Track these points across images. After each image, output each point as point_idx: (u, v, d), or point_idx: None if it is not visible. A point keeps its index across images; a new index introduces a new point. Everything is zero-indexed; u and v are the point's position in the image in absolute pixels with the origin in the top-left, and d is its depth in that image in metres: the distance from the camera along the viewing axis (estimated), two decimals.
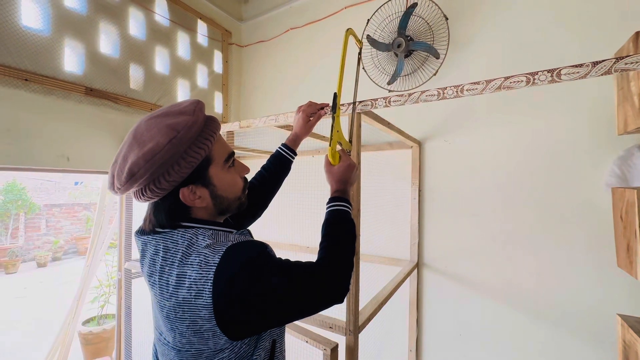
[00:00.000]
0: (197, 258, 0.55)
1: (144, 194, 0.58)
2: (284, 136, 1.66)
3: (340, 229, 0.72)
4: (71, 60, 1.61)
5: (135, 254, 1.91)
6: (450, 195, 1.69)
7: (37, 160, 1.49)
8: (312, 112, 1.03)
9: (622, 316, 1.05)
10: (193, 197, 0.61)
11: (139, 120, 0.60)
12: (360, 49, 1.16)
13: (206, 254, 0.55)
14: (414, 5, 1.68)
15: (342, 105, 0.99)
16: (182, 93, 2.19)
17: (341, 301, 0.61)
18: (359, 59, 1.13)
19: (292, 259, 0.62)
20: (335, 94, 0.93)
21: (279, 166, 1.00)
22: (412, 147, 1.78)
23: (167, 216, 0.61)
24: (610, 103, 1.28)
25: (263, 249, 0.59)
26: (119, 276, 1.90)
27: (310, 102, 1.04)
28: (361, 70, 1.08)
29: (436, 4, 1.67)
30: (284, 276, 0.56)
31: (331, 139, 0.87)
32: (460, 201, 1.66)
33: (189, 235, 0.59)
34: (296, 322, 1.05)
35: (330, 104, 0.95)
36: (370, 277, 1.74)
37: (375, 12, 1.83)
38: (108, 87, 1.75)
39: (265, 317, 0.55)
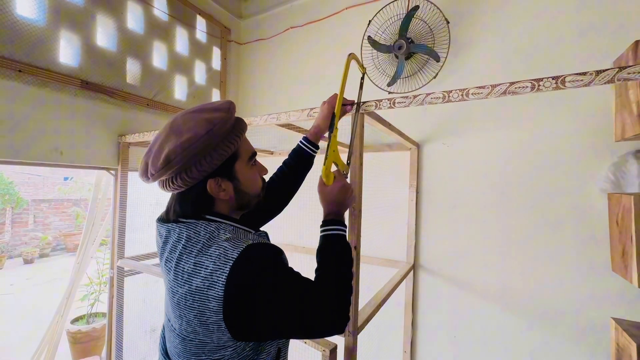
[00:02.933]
0: (217, 250, 0.57)
1: (174, 182, 0.61)
2: (285, 135, 1.65)
3: (337, 256, 0.70)
4: (67, 52, 1.57)
5: (129, 251, 1.88)
6: (447, 198, 1.71)
7: (30, 154, 1.45)
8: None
9: (616, 320, 1.07)
10: (218, 189, 0.64)
11: (175, 116, 0.64)
12: (364, 74, 1.12)
13: (226, 247, 0.57)
14: (416, 8, 1.69)
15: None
16: (179, 89, 2.17)
17: (342, 331, 0.60)
18: (362, 84, 1.07)
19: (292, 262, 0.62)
20: (333, 114, 0.91)
21: (300, 161, 0.98)
22: (410, 149, 1.79)
23: (193, 206, 0.64)
24: (609, 110, 1.31)
25: (279, 255, 0.61)
26: (111, 274, 1.86)
27: (335, 94, 0.99)
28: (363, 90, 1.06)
29: (438, 8, 1.67)
30: (294, 289, 0.57)
31: (326, 157, 0.83)
32: (457, 204, 1.67)
33: (211, 228, 0.61)
34: None
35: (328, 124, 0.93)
36: (368, 278, 1.74)
37: (377, 13, 1.84)
38: (104, 81, 1.72)
39: (267, 323, 0.55)
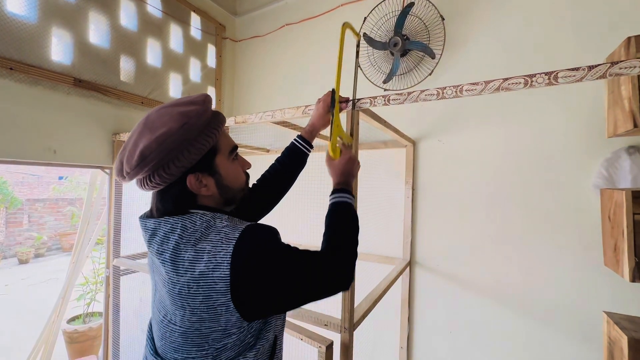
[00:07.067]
0: (217, 235, 0.58)
1: (152, 180, 0.59)
2: (279, 133, 1.65)
3: (344, 220, 0.74)
4: (59, 49, 1.55)
5: (125, 250, 1.87)
6: (442, 195, 1.71)
7: (22, 153, 1.44)
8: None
9: (608, 313, 1.09)
10: (199, 185, 0.63)
11: (149, 112, 0.62)
12: (359, 41, 1.13)
13: (226, 231, 0.58)
14: (411, 4, 1.68)
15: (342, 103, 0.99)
16: (174, 87, 2.15)
17: (347, 289, 0.63)
18: (357, 52, 1.09)
19: None
20: (333, 90, 0.93)
21: (293, 159, 0.98)
22: (406, 146, 1.79)
23: (174, 204, 0.63)
24: (601, 106, 1.32)
25: (277, 233, 0.63)
26: (107, 273, 1.86)
27: (330, 91, 1.00)
28: (359, 66, 1.08)
29: (433, 4, 1.67)
30: (297, 260, 0.59)
31: (331, 133, 0.87)
32: (452, 200, 1.68)
33: (207, 218, 0.61)
34: (291, 320, 1.04)
35: (329, 100, 0.95)
36: (364, 275, 1.75)
37: (372, 10, 1.83)
38: (98, 79, 1.70)
39: (275, 296, 0.57)
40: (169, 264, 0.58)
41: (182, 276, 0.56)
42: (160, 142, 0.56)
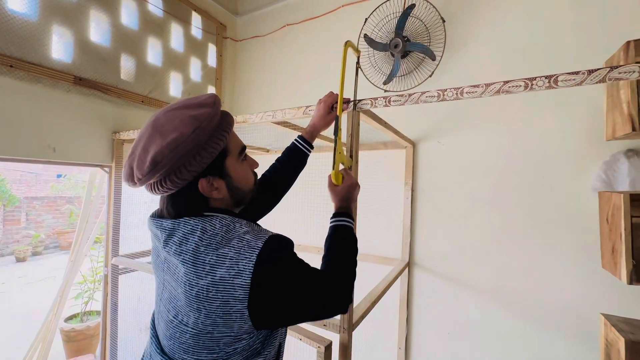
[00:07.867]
0: (240, 242, 0.57)
1: (163, 185, 0.59)
2: (279, 133, 1.65)
3: (344, 244, 0.75)
4: (59, 47, 1.55)
5: (123, 249, 1.87)
6: (442, 196, 1.72)
7: (22, 151, 1.44)
8: (332, 103, 1.01)
9: (605, 315, 1.09)
10: (210, 189, 0.63)
11: (156, 114, 0.61)
12: (358, 57, 1.13)
13: (249, 239, 0.58)
14: (412, 6, 1.69)
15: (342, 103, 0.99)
16: (174, 86, 2.15)
17: (345, 311, 0.64)
18: (357, 68, 1.10)
19: None
20: (337, 117, 0.94)
21: (293, 159, 0.99)
22: (406, 147, 1.79)
23: (187, 207, 0.62)
24: (600, 109, 1.33)
25: (294, 246, 0.64)
26: (106, 272, 1.85)
27: (330, 92, 1.02)
28: (359, 75, 1.08)
29: (434, 6, 1.68)
30: (311, 277, 0.61)
31: (334, 161, 0.88)
32: (451, 202, 1.69)
33: (226, 222, 0.61)
34: None
35: (333, 127, 0.95)
36: (363, 276, 1.75)
37: (373, 11, 1.84)
38: (98, 77, 1.70)
39: (288, 309, 0.58)
40: (190, 265, 0.57)
41: (202, 279, 0.55)
42: (173, 148, 0.55)
